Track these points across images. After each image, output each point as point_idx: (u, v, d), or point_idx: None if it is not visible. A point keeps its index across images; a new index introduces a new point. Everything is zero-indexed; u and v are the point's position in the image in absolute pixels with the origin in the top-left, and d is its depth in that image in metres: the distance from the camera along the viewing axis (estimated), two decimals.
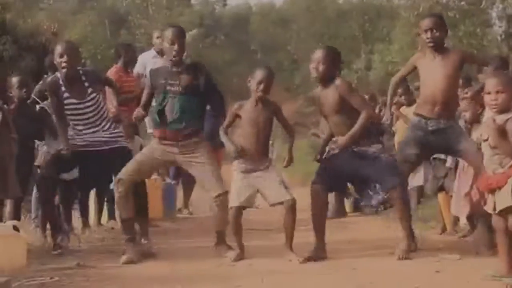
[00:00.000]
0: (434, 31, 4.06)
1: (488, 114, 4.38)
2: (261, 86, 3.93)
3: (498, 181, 3.06)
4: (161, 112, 4.00)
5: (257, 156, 3.98)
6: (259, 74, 3.97)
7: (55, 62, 4.26)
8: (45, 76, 5.46)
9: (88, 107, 4.25)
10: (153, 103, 4.15)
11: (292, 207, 3.89)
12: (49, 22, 13.87)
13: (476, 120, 4.51)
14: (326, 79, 3.90)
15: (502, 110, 3.11)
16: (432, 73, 4.08)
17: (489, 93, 3.15)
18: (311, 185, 4.03)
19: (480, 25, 13.10)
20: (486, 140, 3.12)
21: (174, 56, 4.00)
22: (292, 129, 4.22)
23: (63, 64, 4.16)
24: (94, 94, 4.27)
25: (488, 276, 3.17)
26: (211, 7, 36.33)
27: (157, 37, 6.40)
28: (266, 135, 4.02)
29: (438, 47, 4.09)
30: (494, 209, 3.13)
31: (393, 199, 3.91)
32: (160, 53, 6.07)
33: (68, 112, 4.29)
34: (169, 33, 4.03)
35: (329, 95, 3.90)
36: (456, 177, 4.67)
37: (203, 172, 4.05)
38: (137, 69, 6.15)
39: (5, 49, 11.15)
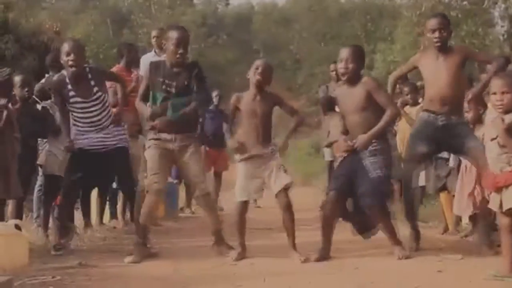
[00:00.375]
0: (442, 31, 4.06)
1: (490, 114, 4.37)
2: (259, 70, 3.96)
3: (506, 179, 3.07)
4: (158, 112, 4.03)
5: (258, 144, 3.97)
6: (256, 62, 4.04)
7: (61, 61, 4.25)
8: (47, 75, 5.45)
9: (93, 105, 4.26)
10: (150, 102, 4.14)
11: (287, 205, 3.91)
12: (51, 21, 13.86)
13: (478, 120, 4.51)
14: (355, 78, 3.89)
15: (507, 110, 3.14)
16: (437, 72, 4.08)
17: (494, 93, 3.18)
18: (328, 191, 4.00)
19: (482, 24, 13.05)
20: (494, 139, 3.12)
21: (178, 58, 4.01)
22: (298, 113, 4.18)
23: (70, 63, 4.15)
24: (100, 93, 4.28)
25: (490, 275, 3.16)
26: (214, 6, 36.34)
27: (154, 37, 6.41)
28: (266, 126, 4.01)
29: (444, 47, 4.10)
30: (501, 207, 3.13)
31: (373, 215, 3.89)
32: (159, 52, 6.10)
33: (73, 111, 4.29)
34: (174, 34, 4.01)
35: (355, 93, 3.87)
36: (458, 177, 4.66)
37: (191, 173, 4.10)
38: (142, 72, 6.14)
39: (7, 48, 11.16)
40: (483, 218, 4.23)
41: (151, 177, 4.08)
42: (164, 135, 4.04)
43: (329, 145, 6.63)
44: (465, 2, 13.31)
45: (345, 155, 3.98)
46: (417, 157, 4.19)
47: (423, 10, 12.89)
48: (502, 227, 3.19)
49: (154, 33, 6.53)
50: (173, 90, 4.01)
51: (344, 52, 3.90)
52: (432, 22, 4.12)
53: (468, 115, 4.51)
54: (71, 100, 4.25)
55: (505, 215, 3.14)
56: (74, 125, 4.37)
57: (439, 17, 4.19)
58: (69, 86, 4.23)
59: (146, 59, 6.28)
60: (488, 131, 3.33)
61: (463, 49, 4.44)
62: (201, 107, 4.19)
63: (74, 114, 4.30)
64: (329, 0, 30.06)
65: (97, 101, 4.26)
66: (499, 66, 4.26)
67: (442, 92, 4.06)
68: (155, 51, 6.28)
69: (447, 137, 4.09)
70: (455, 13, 12.73)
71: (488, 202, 4.13)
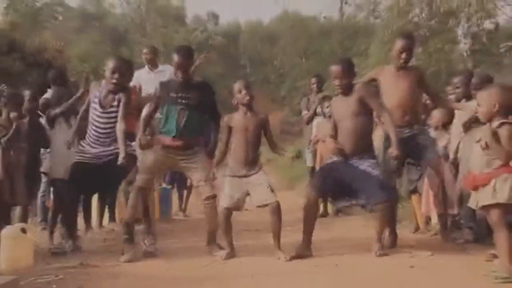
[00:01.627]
0: (409, 52, 4.11)
1: (458, 123, 4.43)
2: (244, 91, 3.99)
3: (484, 179, 3.07)
4: (171, 123, 4.06)
5: (247, 162, 3.99)
6: (235, 86, 4.05)
7: (105, 75, 4.15)
8: (49, 90, 5.43)
9: (107, 117, 4.13)
10: (161, 114, 4.16)
11: (276, 209, 3.90)
12: (54, 40, 13.76)
13: (442, 126, 4.61)
14: (348, 89, 3.92)
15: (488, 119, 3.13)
16: (396, 84, 4.14)
17: (479, 105, 3.21)
18: (308, 190, 4.00)
19: (447, 42, 13.19)
20: (479, 141, 3.13)
21: (180, 80, 4.06)
22: (275, 145, 4.14)
23: (113, 81, 4.11)
24: (117, 109, 4.13)
25: (496, 278, 2.96)
26: (204, 25, 36.35)
27: (143, 54, 6.46)
28: (256, 142, 4.03)
29: (406, 66, 4.16)
30: (477, 205, 3.14)
31: (378, 210, 3.82)
32: (151, 67, 6.15)
33: (91, 115, 4.21)
34: (174, 58, 4.03)
35: (350, 101, 3.89)
36: (424, 180, 4.68)
37: (198, 177, 4.12)
38: (132, 83, 6.18)
39: (14, 65, 11.09)
40: (441, 218, 4.28)
41: (140, 177, 4.07)
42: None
43: (316, 142, 6.57)
44: (432, 22, 13.44)
45: (333, 158, 3.96)
46: (392, 171, 4.21)
47: (394, 28, 12.99)
48: (493, 225, 3.07)
49: (144, 50, 6.61)
50: (190, 102, 4.06)
51: (336, 70, 3.91)
52: (401, 43, 4.13)
53: (431, 121, 4.60)
54: (92, 105, 4.20)
55: (494, 211, 3.03)
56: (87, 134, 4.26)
57: (409, 39, 4.18)
58: (97, 93, 4.18)
59: (140, 74, 6.34)
60: (473, 134, 3.32)
61: (418, 70, 4.37)
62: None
63: (90, 119, 4.21)
64: (310, 20, 30.24)
65: (112, 114, 4.12)
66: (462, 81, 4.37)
67: (401, 103, 4.10)
68: (148, 67, 6.33)
69: (411, 146, 4.12)
70: (423, 32, 12.87)
71: (443, 204, 4.18)
